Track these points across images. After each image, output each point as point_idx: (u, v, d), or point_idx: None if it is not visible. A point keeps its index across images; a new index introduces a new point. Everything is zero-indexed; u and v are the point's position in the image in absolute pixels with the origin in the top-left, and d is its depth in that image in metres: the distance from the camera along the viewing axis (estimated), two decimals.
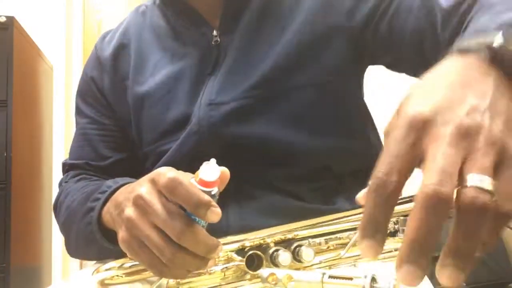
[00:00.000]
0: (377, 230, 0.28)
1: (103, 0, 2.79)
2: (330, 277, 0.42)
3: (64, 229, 0.68)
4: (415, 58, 0.64)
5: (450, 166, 0.26)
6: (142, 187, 0.45)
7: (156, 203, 0.44)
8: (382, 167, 0.28)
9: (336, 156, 0.65)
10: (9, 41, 1.69)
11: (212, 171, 0.44)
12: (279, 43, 0.66)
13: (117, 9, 2.80)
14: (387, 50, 0.66)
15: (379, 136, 0.72)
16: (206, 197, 0.43)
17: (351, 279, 0.41)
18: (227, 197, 0.63)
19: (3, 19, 1.69)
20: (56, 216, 0.72)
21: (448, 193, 0.26)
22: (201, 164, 0.64)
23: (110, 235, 0.56)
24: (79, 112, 0.78)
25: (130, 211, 0.45)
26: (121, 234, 0.46)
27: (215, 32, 0.68)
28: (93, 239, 0.57)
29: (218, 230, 0.62)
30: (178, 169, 0.65)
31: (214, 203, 0.43)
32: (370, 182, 0.29)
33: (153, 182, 0.45)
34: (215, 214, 0.43)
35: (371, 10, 0.65)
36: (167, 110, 0.67)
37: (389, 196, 0.28)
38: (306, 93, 0.64)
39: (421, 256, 0.26)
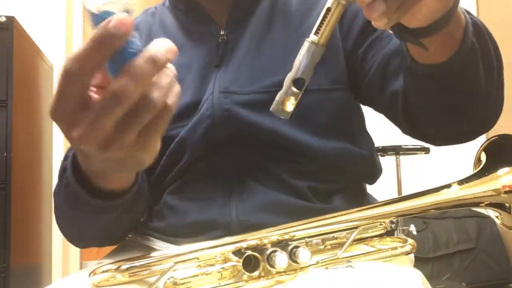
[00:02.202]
0: None
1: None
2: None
3: (56, 212, 0.65)
4: (377, 93, 0.68)
5: None
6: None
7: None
8: None
9: (335, 158, 0.67)
10: (9, 41, 1.69)
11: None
12: (293, 48, 0.68)
13: None
14: (358, 78, 0.70)
15: (374, 146, 0.76)
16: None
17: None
18: (231, 190, 0.64)
19: (3, 19, 1.69)
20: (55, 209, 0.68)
21: None
22: (214, 148, 0.65)
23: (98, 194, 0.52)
24: None
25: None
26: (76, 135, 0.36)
27: (222, 32, 0.72)
28: (77, 199, 0.52)
29: (220, 224, 0.63)
30: (191, 151, 0.68)
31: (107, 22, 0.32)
32: None
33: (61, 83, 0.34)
34: (121, 24, 0.32)
35: (358, 34, 0.70)
36: None
37: None
38: (313, 97, 0.67)
39: None
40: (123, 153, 0.37)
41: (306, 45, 0.40)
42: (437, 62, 0.52)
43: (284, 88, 0.40)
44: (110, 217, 0.57)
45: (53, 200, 0.65)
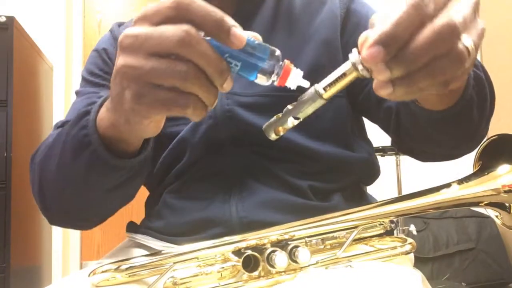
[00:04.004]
0: (397, 38, 0.35)
1: (103, 0, 2.79)
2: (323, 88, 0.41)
3: (42, 164, 0.60)
4: (373, 107, 0.70)
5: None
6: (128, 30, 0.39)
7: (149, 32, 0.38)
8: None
9: (334, 161, 0.68)
10: (9, 41, 1.69)
11: None
12: (296, 55, 0.69)
13: (117, 9, 2.80)
14: (355, 90, 0.71)
15: (373, 149, 0.76)
16: (229, 18, 0.38)
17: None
18: (231, 190, 0.65)
19: (3, 19, 1.69)
20: (30, 169, 0.64)
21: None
22: (215, 148, 0.66)
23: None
24: (84, 83, 0.76)
25: (121, 60, 0.40)
26: (127, 96, 0.40)
27: None
28: (86, 145, 0.50)
29: (219, 221, 0.63)
30: (191, 151, 0.68)
31: (237, 25, 0.38)
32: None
33: (145, 18, 0.39)
34: (238, 39, 0.38)
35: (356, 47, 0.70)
36: None
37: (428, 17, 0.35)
38: None
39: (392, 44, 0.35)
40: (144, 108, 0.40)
41: (312, 91, 0.41)
42: (432, 109, 0.54)
43: (282, 117, 0.43)
44: (109, 180, 0.54)
45: (43, 150, 0.61)
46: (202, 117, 0.41)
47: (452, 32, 0.35)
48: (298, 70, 0.42)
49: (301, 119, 0.43)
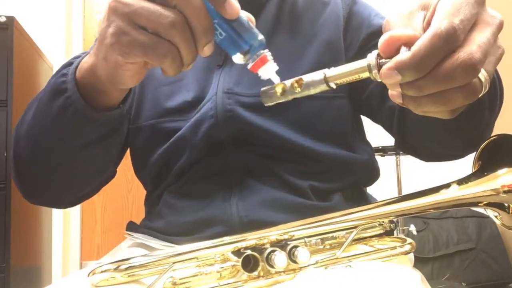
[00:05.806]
0: (416, 72, 0.34)
1: (103, 0, 2.79)
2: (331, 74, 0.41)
3: (20, 122, 0.61)
4: (375, 107, 0.70)
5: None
6: None
7: None
8: (458, 22, 0.34)
9: (334, 163, 0.68)
10: (9, 41, 1.69)
11: None
12: (298, 55, 0.70)
13: None
14: (357, 90, 0.72)
15: (372, 151, 0.77)
16: None
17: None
18: (232, 189, 0.65)
19: (3, 19, 1.69)
20: (15, 133, 0.63)
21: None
22: (216, 148, 0.67)
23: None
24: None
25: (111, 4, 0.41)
26: (109, 31, 0.41)
27: None
28: (62, 91, 0.52)
29: (220, 220, 0.63)
30: (191, 150, 0.68)
31: None
32: (441, 29, 0.34)
33: None
34: (232, 8, 0.40)
35: (358, 48, 0.72)
36: (178, 91, 0.71)
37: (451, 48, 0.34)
38: (315, 104, 0.69)
39: (410, 72, 0.34)
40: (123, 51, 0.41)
41: (321, 77, 0.41)
42: None
43: (285, 95, 0.43)
44: (80, 134, 0.55)
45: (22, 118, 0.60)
46: (176, 74, 0.43)
47: (469, 71, 0.34)
48: (274, 64, 0.43)
49: (300, 96, 0.44)
